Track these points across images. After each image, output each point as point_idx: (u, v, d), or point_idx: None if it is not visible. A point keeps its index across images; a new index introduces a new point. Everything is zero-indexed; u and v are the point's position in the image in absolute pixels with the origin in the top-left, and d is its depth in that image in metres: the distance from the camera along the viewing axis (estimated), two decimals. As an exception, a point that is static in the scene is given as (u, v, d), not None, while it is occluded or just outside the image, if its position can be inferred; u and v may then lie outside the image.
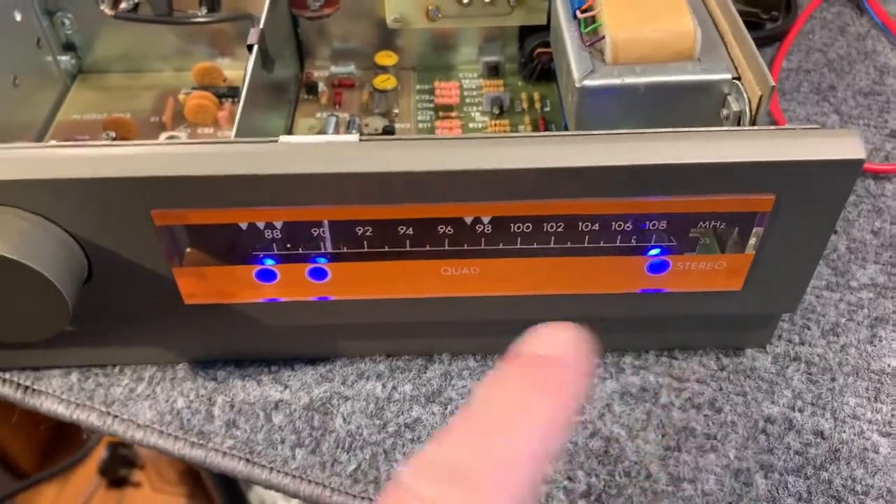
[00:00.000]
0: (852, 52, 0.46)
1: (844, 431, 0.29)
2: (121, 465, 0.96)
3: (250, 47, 0.32)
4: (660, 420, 0.30)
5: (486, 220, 0.26)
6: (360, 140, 0.25)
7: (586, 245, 0.27)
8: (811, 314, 0.33)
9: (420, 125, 0.39)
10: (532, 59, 0.40)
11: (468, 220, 0.26)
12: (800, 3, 0.48)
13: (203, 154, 0.24)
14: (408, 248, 0.27)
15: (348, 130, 0.38)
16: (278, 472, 0.29)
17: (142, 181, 0.24)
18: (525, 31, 0.40)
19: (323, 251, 0.27)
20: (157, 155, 0.24)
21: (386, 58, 0.40)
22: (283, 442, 0.29)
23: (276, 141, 0.25)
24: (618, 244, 0.27)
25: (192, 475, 0.93)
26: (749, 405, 0.30)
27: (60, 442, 0.92)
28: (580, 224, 0.26)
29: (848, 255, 0.35)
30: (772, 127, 0.26)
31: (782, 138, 0.25)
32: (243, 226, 0.26)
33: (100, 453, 0.95)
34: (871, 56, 0.46)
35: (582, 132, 0.25)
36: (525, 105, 0.39)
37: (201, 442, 0.29)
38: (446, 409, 0.30)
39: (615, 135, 0.25)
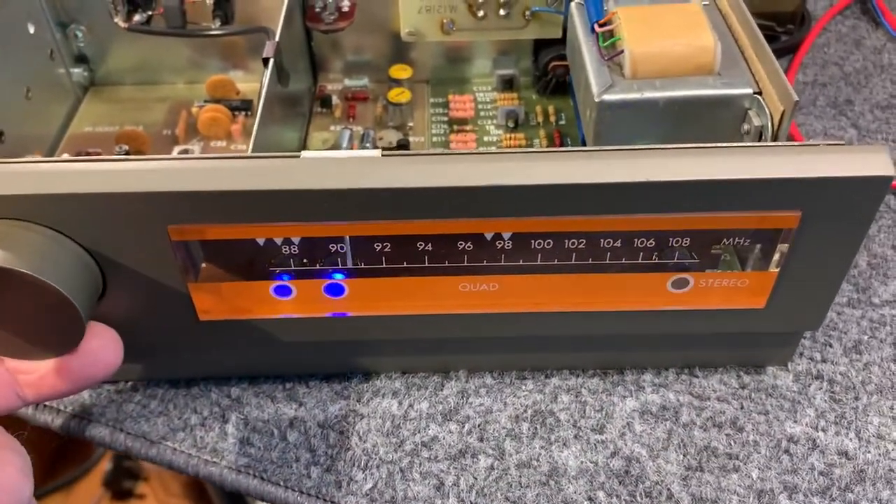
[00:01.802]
0: (868, 66, 0.45)
1: (870, 451, 0.29)
2: (125, 477, 0.95)
3: (266, 61, 0.32)
4: (681, 439, 0.29)
5: (506, 235, 0.26)
6: (383, 155, 0.25)
7: (608, 262, 0.26)
8: (833, 331, 0.32)
9: (434, 139, 0.38)
10: (547, 72, 0.39)
11: (488, 235, 0.26)
12: (814, 16, 0.47)
13: (223, 169, 0.24)
14: (426, 264, 0.26)
15: (362, 144, 0.38)
16: (294, 490, 0.28)
17: (160, 196, 0.23)
18: (539, 45, 0.40)
19: (340, 267, 0.27)
20: (175, 170, 0.24)
21: (400, 71, 0.40)
22: (297, 460, 0.29)
23: (298, 156, 0.25)
24: (640, 261, 0.27)
25: (197, 488, 0.92)
26: (771, 424, 0.29)
27: (65, 454, 0.91)
28: (601, 241, 0.26)
29: (869, 270, 0.34)
30: (796, 143, 0.26)
31: (809, 154, 0.24)
32: (261, 241, 0.25)
33: (104, 465, 0.94)
34: (887, 70, 0.45)
35: (604, 147, 0.25)
36: (540, 119, 0.39)
37: (215, 460, 0.29)
38: (463, 427, 0.30)
39: (639, 150, 0.25)
